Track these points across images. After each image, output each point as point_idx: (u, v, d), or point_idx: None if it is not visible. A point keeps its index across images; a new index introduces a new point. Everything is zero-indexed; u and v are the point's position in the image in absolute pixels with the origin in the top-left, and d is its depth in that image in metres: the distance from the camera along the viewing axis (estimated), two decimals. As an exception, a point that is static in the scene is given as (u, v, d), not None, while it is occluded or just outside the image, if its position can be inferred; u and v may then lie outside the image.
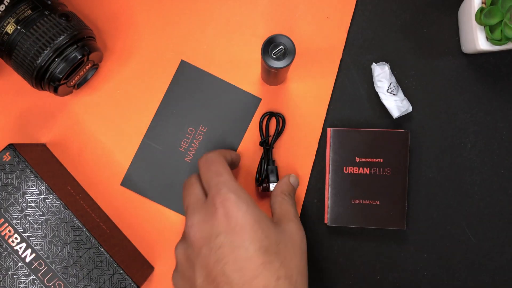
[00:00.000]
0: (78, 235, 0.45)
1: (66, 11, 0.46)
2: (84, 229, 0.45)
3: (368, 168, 0.49)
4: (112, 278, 0.45)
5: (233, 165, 0.48)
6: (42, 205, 0.45)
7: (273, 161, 0.51)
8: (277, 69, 0.43)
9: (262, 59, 0.43)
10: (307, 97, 0.52)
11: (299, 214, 0.52)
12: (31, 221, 0.45)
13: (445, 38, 0.52)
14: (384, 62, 0.51)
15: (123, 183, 0.52)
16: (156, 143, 0.52)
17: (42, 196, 0.45)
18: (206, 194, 0.41)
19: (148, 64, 0.53)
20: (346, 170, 0.50)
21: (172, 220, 0.52)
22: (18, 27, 0.44)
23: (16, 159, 0.45)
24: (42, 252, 0.45)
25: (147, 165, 0.52)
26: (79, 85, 0.50)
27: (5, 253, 0.44)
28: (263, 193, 0.52)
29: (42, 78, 0.45)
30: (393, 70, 0.52)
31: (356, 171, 0.49)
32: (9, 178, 0.45)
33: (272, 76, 0.47)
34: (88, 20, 0.52)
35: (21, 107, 0.52)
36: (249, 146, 0.52)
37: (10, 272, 0.45)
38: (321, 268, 0.52)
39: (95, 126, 0.52)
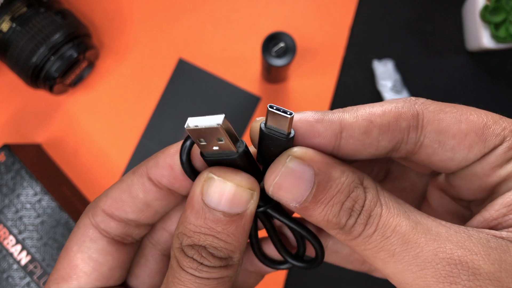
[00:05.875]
0: (74, 237, 0.44)
1: (62, 9, 0.45)
2: (80, 231, 0.45)
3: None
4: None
5: None
6: (38, 206, 0.44)
7: None
8: (278, 67, 0.42)
9: (262, 57, 0.42)
10: (308, 96, 0.51)
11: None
12: (26, 222, 0.44)
13: (449, 35, 0.51)
14: (388, 59, 0.50)
15: (121, 184, 0.52)
16: (153, 142, 0.52)
17: (38, 197, 0.44)
18: None
19: (146, 63, 0.52)
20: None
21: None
22: (14, 25, 0.43)
23: (11, 160, 0.44)
24: (38, 255, 0.44)
25: (145, 165, 0.51)
26: (75, 84, 0.50)
27: (0, 255, 0.44)
28: None
29: (37, 77, 0.45)
30: (397, 68, 0.51)
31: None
32: (4, 179, 0.44)
33: (272, 75, 0.46)
34: (85, 17, 0.51)
35: (16, 106, 0.52)
36: (249, 146, 0.51)
37: (5, 275, 0.44)
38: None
39: (91, 126, 0.52)
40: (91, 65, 0.49)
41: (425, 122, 0.18)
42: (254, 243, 0.22)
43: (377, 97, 0.51)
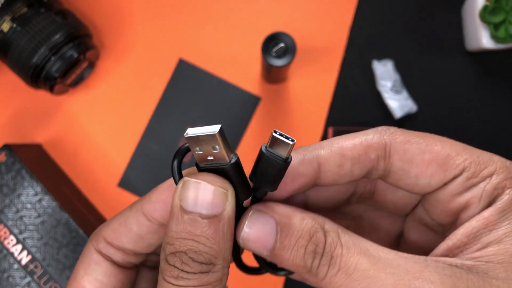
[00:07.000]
0: (74, 237, 0.45)
1: (62, 9, 0.45)
2: (80, 231, 0.45)
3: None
4: (109, 280, 0.45)
5: None
6: (38, 206, 0.44)
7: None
8: (278, 67, 0.42)
9: (262, 57, 0.42)
10: (308, 96, 0.51)
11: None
12: (27, 222, 0.44)
13: (449, 35, 0.51)
14: (387, 59, 0.50)
15: (121, 184, 0.52)
16: (154, 143, 0.52)
17: (38, 197, 0.44)
18: None
19: (146, 63, 0.52)
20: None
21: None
22: (14, 25, 0.43)
23: (11, 160, 0.44)
24: (38, 254, 0.44)
25: (145, 165, 0.52)
26: (75, 84, 0.50)
27: (1, 255, 0.44)
28: None
29: (38, 77, 0.45)
30: (396, 68, 0.51)
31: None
32: (4, 179, 0.44)
33: (272, 75, 0.46)
34: (85, 17, 0.51)
35: (17, 106, 0.52)
36: (249, 146, 0.51)
37: (5, 275, 0.44)
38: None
39: (92, 126, 0.52)
40: (91, 65, 0.49)
41: (392, 152, 0.20)
42: (235, 251, 0.22)
43: (377, 97, 0.51)
